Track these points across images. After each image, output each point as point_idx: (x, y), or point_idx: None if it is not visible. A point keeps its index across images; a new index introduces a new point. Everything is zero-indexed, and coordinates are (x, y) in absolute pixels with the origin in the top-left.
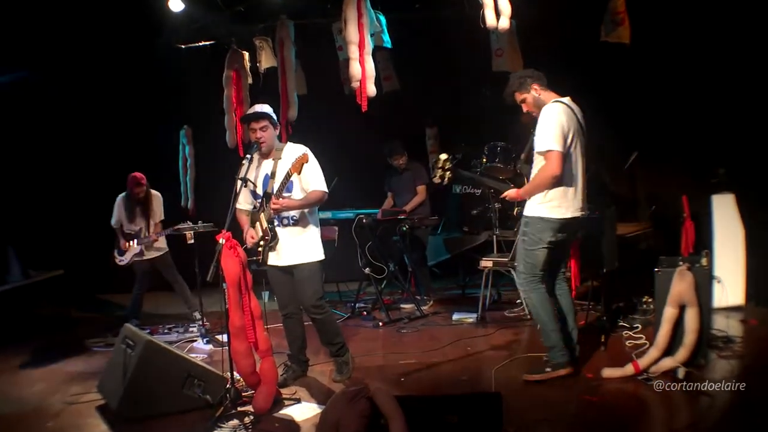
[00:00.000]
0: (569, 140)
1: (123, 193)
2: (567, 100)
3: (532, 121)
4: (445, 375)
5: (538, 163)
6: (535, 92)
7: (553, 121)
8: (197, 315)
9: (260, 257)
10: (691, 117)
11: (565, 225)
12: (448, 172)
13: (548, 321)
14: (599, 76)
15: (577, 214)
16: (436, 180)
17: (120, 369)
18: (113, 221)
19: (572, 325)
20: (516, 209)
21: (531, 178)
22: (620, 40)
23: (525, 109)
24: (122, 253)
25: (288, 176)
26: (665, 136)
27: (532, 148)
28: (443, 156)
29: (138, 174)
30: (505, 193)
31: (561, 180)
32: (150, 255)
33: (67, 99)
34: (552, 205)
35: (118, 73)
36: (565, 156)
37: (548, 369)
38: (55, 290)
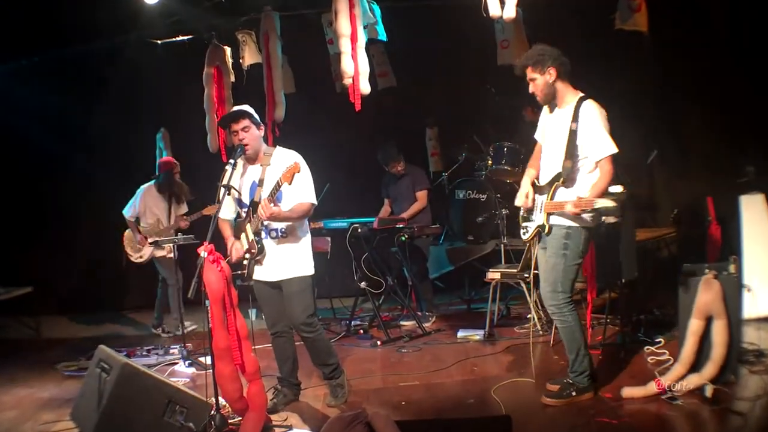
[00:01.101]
0: None
1: (151, 182)
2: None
3: (536, 119)
4: (450, 398)
5: (588, 167)
6: (549, 77)
7: (605, 122)
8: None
9: (245, 271)
10: (716, 110)
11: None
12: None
13: (585, 345)
14: (615, 68)
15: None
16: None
17: (94, 395)
18: (130, 213)
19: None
20: (481, 217)
21: (592, 185)
22: (637, 28)
23: (531, 89)
24: (138, 249)
25: (278, 186)
26: (688, 132)
27: (572, 152)
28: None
29: (169, 158)
30: (569, 209)
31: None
32: (165, 252)
33: (30, 101)
34: (592, 213)
35: (87, 72)
36: None
37: (573, 393)
38: (23, 309)
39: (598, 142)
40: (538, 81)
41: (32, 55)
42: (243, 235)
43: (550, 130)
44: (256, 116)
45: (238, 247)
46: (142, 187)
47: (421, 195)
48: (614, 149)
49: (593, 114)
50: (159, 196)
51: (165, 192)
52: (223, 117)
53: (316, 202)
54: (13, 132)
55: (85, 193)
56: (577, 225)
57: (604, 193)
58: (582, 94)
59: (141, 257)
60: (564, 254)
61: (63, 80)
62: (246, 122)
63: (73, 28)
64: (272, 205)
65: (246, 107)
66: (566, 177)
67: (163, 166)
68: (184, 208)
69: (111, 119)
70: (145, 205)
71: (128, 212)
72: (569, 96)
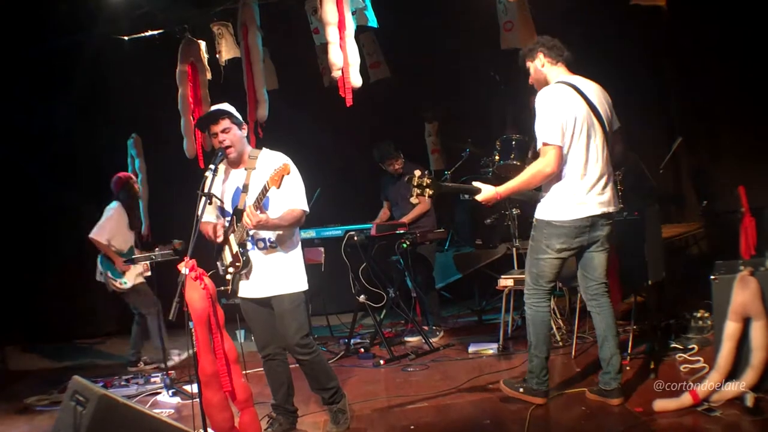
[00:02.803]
0: (573, 128)
1: (116, 202)
2: (577, 79)
3: None
4: (464, 419)
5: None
6: (539, 62)
7: (548, 110)
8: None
9: (229, 288)
10: (746, 92)
11: (581, 228)
12: (427, 189)
13: (535, 344)
14: (631, 48)
15: (596, 211)
16: (414, 200)
17: (70, 430)
18: (105, 237)
19: (612, 350)
20: (491, 219)
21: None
22: (654, 2)
23: (530, 80)
24: (120, 275)
25: (265, 190)
26: (715, 116)
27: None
28: (417, 172)
29: (124, 172)
30: (481, 197)
31: (568, 175)
32: (146, 274)
33: None
34: (561, 206)
35: (46, 74)
36: (568, 148)
37: (521, 389)
38: None
39: (538, 128)
40: (530, 69)
41: None
42: (226, 247)
43: None
44: (238, 115)
45: (223, 225)
46: (112, 205)
47: (423, 197)
48: (548, 139)
49: (539, 100)
50: (126, 218)
51: (129, 210)
52: (200, 118)
53: (307, 210)
54: None
55: (48, 210)
56: (541, 218)
57: (530, 183)
58: (558, 80)
59: (125, 283)
60: (531, 245)
61: (16, 84)
62: (226, 123)
63: (27, 25)
64: (259, 212)
65: (225, 106)
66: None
67: (118, 182)
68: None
69: (74, 126)
70: (117, 226)
71: (99, 235)
72: (552, 81)
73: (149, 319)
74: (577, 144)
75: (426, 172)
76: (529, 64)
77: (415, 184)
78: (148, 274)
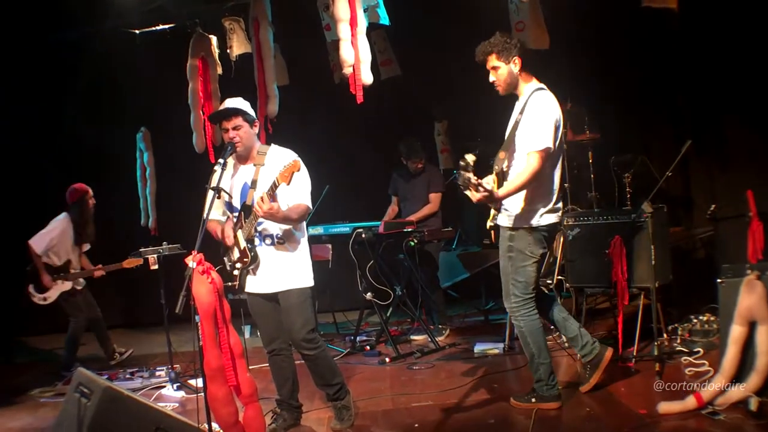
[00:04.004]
0: (559, 137)
1: (65, 214)
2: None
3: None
4: (468, 419)
5: (520, 160)
6: (514, 66)
7: (551, 116)
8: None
9: (237, 283)
10: (756, 95)
11: (552, 232)
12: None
13: (538, 353)
14: (642, 50)
15: (561, 218)
16: (472, 191)
17: (73, 422)
18: (41, 249)
19: (574, 325)
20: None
21: (511, 178)
22: (665, 5)
23: (492, 78)
24: (44, 290)
25: (275, 186)
26: (724, 119)
27: (512, 142)
28: (472, 157)
29: (82, 184)
30: (479, 198)
31: (544, 181)
32: (79, 286)
33: None
34: (538, 210)
35: (57, 67)
36: (552, 155)
37: (533, 399)
38: None
39: (533, 133)
40: (502, 70)
41: None
42: (233, 241)
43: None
44: (251, 112)
45: (229, 234)
46: (60, 217)
47: (435, 197)
48: (548, 144)
49: (539, 105)
50: (72, 232)
51: (76, 226)
52: (214, 113)
53: (311, 207)
54: None
55: (56, 202)
56: (521, 226)
57: (524, 187)
58: (539, 86)
59: (46, 299)
60: (509, 256)
61: (26, 77)
62: (239, 120)
63: (38, 17)
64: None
65: (239, 101)
66: (500, 169)
67: (74, 193)
68: (86, 248)
69: (83, 120)
70: (59, 239)
71: (38, 244)
72: (527, 87)
73: (72, 323)
74: (558, 152)
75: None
76: (500, 63)
77: (471, 168)
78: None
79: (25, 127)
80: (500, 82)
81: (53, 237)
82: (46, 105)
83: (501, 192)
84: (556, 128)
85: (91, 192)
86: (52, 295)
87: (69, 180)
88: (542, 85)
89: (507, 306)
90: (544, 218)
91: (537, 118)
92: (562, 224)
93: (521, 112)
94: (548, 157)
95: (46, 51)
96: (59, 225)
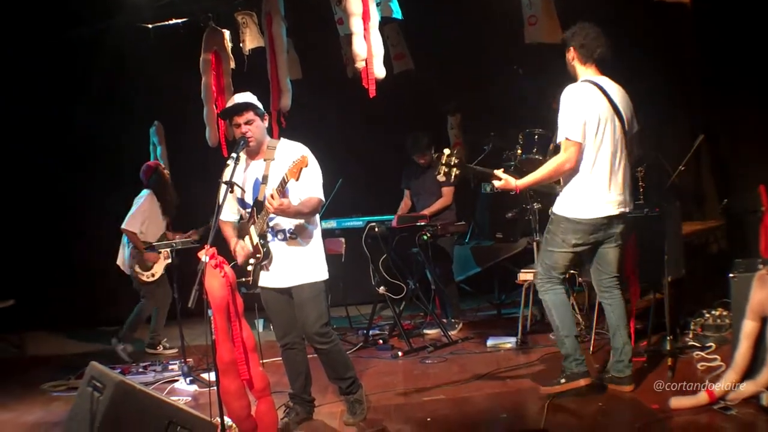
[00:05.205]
0: (596, 128)
1: (146, 190)
2: (602, 80)
3: None
4: (481, 412)
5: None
6: (570, 56)
7: (573, 107)
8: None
9: (250, 278)
10: None
11: (597, 226)
12: (454, 168)
13: (561, 326)
14: (655, 45)
15: (614, 211)
16: (441, 178)
17: (86, 417)
18: (137, 227)
19: (624, 339)
20: (512, 212)
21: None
22: (679, 0)
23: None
24: (148, 267)
25: (284, 182)
26: (738, 114)
27: (555, 134)
28: (446, 151)
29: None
30: (499, 184)
31: (587, 174)
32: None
33: (6, 95)
34: (580, 203)
35: (71, 62)
36: (589, 146)
37: (563, 380)
38: (5, 325)
39: (560, 123)
40: (567, 59)
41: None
42: (247, 239)
43: None
44: (260, 106)
45: (243, 245)
46: (142, 194)
47: (447, 191)
48: (569, 134)
49: (564, 96)
50: (158, 206)
51: (160, 197)
52: (224, 109)
53: (323, 199)
54: None
55: (69, 197)
56: (560, 213)
57: (550, 177)
58: (584, 78)
59: (153, 275)
60: (546, 237)
61: (40, 75)
62: (250, 115)
63: (49, 15)
64: (281, 196)
65: (248, 95)
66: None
67: (148, 170)
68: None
69: (96, 115)
70: (149, 213)
71: (131, 224)
72: (579, 78)
73: (141, 303)
74: (599, 143)
75: (455, 152)
76: (566, 52)
77: (443, 162)
78: (169, 260)
79: (40, 121)
80: (569, 67)
81: (143, 212)
82: (61, 99)
83: (522, 181)
84: (585, 121)
85: (162, 165)
86: (158, 270)
87: (81, 174)
88: (594, 77)
89: (535, 281)
90: (582, 213)
91: (562, 110)
92: (621, 221)
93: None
94: (576, 149)
95: (62, 47)
96: (145, 200)
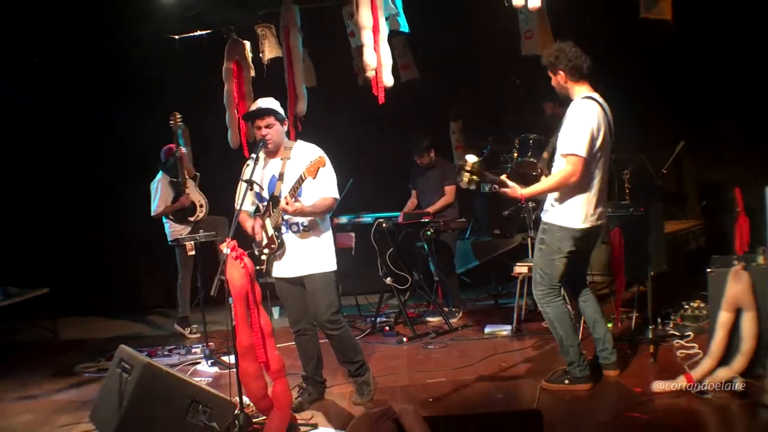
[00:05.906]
0: (598, 144)
1: (159, 173)
2: (598, 96)
3: (559, 117)
4: (478, 394)
5: (559, 164)
6: (560, 78)
7: (584, 123)
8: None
9: (263, 267)
10: (744, 100)
11: (586, 234)
12: (475, 176)
13: (566, 337)
14: (640, 57)
15: (598, 223)
16: (464, 185)
17: (115, 396)
18: (161, 207)
19: (603, 329)
20: (508, 210)
21: (543, 180)
22: (662, 16)
23: (553, 84)
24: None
25: (301, 180)
26: (715, 122)
27: (555, 147)
28: (472, 158)
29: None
30: (506, 190)
31: (584, 187)
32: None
33: (45, 100)
34: (574, 213)
35: (104, 71)
36: (590, 161)
37: (566, 381)
38: (39, 311)
39: (567, 138)
40: (554, 82)
41: (37, 55)
42: (262, 231)
43: None
44: (282, 111)
45: (260, 222)
46: (156, 177)
47: (450, 190)
48: (577, 150)
49: (574, 112)
50: (171, 188)
51: (173, 183)
52: (248, 112)
53: (338, 197)
54: (30, 133)
55: (102, 193)
56: (554, 222)
57: (555, 189)
58: (585, 95)
59: (197, 240)
60: (540, 248)
61: (82, 80)
62: (271, 119)
63: (83, 26)
64: (294, 200)
65: (271, 101)
66: (542, 168)
67: (168, 152)
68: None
69: (128, 119)
70: (166, 193)
71: (157, 207)
72: (577, 95)
73: (179, 278)
74: (598, 159)
75: (478, 161)
76: (551, 74)
77: (467, 169)
78: (193, 252)
79: (76, 127)
80: (555, 87)
81: (163, 195)
82: (95, 104)
83: (527, 190)
84: (592, 138)
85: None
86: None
87: (118, 172)
88: (591, 93)
89: (534, 294)
90: (576, 222)
91: (571, 125)
92: (600, 228)
93: (566, 117)
94: (582, 164)
95: (95, 56)
96: (160, 183)
